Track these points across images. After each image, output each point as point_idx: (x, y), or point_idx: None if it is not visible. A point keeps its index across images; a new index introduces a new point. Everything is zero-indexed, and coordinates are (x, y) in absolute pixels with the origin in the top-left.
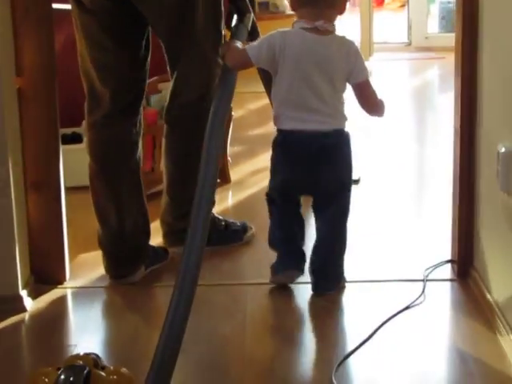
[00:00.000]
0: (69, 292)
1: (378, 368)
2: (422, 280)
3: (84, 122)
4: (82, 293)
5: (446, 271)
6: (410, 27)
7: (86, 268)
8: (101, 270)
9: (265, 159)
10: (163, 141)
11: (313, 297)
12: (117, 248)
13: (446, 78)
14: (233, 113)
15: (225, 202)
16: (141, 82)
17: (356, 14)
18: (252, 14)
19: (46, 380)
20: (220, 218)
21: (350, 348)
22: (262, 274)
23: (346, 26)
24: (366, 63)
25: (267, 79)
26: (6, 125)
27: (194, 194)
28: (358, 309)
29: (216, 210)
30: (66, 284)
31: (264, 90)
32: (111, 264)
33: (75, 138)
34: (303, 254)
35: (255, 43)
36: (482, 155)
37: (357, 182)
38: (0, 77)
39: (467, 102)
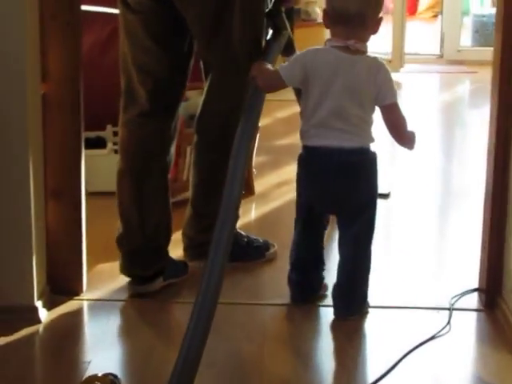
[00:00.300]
0: (85, 304)
1: None
2: (448, 309)
3: (108, 127)
4: (98, 306)
5: (473, 300)
6: (442, 39)
7: (103, 279)
8: (119, 282)
9: (290, 171)
10: (192, 151)
11: (335, 321)
12: (136, 247)
13: (477, 94)
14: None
15: (248, 215)
16: (180, 85)
17: (387, 22)
18: (289, 31)
19: None
20: (243, 233)
21: (370, 378)
22: (283, 293)
23: (377, 34)
24: (397, 75)
25: (299, 89)
26: (30, 131)
27: (217, 208)
28: (380, 336)
29: (239, 224)
30: (82, 296)
31: (295, 98)
32: (128, 263)
33: (99, 143)
34: (320, 281)
35: (287, 63)
36: None
37: (387, 196)
38: (25, 82)
39: (503, 120)
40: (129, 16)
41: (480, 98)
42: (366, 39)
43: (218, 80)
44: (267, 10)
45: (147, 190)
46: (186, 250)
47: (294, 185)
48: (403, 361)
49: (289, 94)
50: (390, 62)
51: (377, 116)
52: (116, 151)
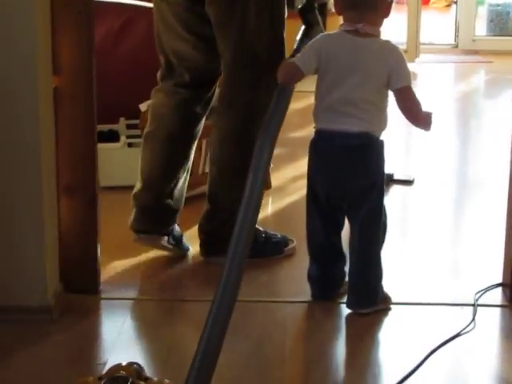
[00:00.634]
0: (100, 303)
1: None
2: (473, 305)
3: (121, 120)
4: (114, 304)
5: (497, 295)
6: (457, 29)
7: (118, 277)
8: (134, 280)
9: (306, 164)
10: (210, 143)
11: (357, 318)
12: (150, 205)
13: (492, 84)
14: None
15: (264, 210)
16: (215, 66)
17: (402, 12)
18: (321, 26)
19: None
20: (261, 229)
21: (396, 377)
22: (303, 289)
23: (392, 25)
24: (412, 65)
25: None
26: (41, 125)
27: (235, 202)
28: (404, 334)
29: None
30: (96, 294)
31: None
32: (139, 218)
33: (112, 136)
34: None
35: (302, 52)
36: None
37: (411, 182)
38: (36, 75)
39: None
40: (159, 2)
41: (495, 88)
42: (377, 23)
43: (232, 71)
44: (300, 7)
45: (171, 154)
46: (202, 246)
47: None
48: (428, 358)
49: (304, 85)
50: (405, 52)
51: (392, 102)
52: (130, 144)
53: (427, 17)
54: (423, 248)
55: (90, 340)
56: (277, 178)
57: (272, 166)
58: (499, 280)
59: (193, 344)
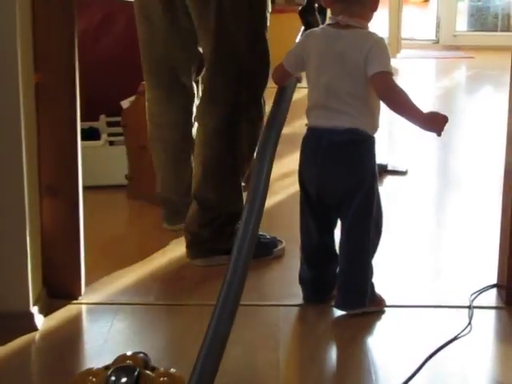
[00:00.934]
0: (84, 308)
1: None
2: (468, 307)
3: (102, 117)
4: (99, 310)
5: (492, 297)
6: (438, 24)
7: (103, 281)
8: (119, 284)
9: (293, 162)
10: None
11: (350, 321)
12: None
13: (474, 79)
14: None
15: None
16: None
17: (384, 7)
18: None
19: (94, 380)
20: None
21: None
22: (294, 292)
23: (373, 20)
24: (394, 60)
25: None
26: (23, 123)
27: (221, 200)
28: (400, 338)
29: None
30: (81, 299)
31: None
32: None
33: (93, 134)
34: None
35: (287, 53)
36: None
37: (404, 173)
38: (17, 72)
39: None
40: None
41: (477, 83)
42: (364, 16)
43: (213, 64)
44: (300, 8)
45: (171, 154)
46: (188, 247)
47: (295, 175)
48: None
49: None
50: None
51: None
52: (111, 143)
53: (408, 12)
54: (416, 247)
55: (74, 348)
56: None
57: None
58: (493, 281)
59: (181, 350)
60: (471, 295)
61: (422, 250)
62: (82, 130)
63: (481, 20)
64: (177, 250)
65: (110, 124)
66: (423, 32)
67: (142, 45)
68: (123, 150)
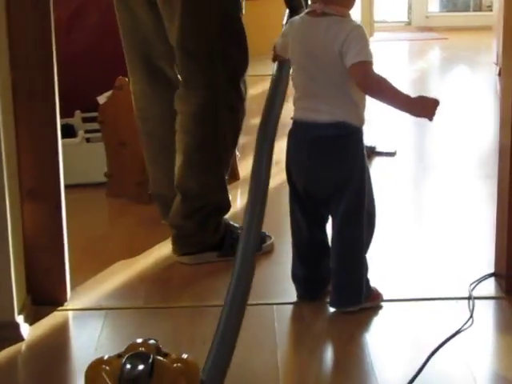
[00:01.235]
0: (71, 315)
1: None
2: (467, 298)
3: (77, 113)
4: (86, 316)
5: (491, 286)
6: (410, 6)
7: (88, 284)
8: (106, 286)
9: (279, 150)
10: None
11: (347, 318)
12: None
13: (448, 60)
14: None
15: (233, 203)
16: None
17: None
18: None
19: (108, 368)
20: (236, 225)
21: (395, 379)
22: (286, 289)
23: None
24: None
25: None
26: (1, 126)
27: (204, 188)
28: (401, 333)
29: (227, 214)
30: (66, 305)
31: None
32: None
33: (68, 131)
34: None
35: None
36: None
37: (393, 154)
38: None
39: None
40: None
41: (451, 65)
42: (343, 3)
43: (182, 46)
44: None
45: (160, 148)
46: (174, 242)
47: (279, 166)
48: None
49: (260, 68)
50: None
51: None
52: (88, 140)
53: None
54: (410, 237)
55: (63, 357)
56: (245, 168)
57: (239, 155)
58: (490, 270)
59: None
60: (470, 285)
61: (415, 239)
62: None
63: (453, 0)
64: (162, 248)
65: (85, 120)
66: (395, 14)
67: (122, 32)
68: (101, 146)
